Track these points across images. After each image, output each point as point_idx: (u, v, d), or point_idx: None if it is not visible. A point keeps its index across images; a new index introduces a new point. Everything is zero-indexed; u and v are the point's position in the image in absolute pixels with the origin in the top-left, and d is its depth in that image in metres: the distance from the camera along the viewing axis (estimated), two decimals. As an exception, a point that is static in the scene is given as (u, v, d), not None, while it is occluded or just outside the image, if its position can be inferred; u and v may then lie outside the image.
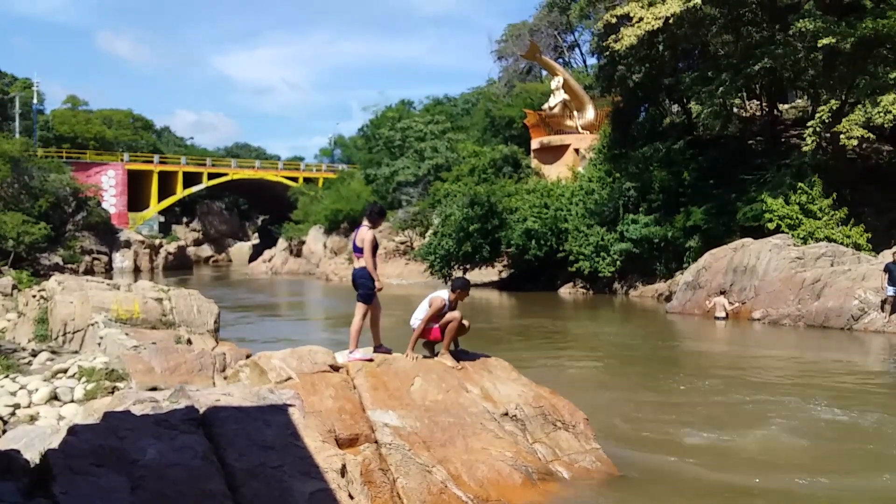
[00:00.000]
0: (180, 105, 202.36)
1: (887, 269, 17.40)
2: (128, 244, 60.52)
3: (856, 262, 19.97)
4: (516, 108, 46.07)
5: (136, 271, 56.74)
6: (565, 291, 30.27)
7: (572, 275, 29.94)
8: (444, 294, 8.15)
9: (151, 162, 70.71)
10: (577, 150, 37.66)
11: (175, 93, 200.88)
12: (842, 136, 22.27)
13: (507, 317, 24.61)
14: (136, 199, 67.88)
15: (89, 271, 49.69)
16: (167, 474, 4.78)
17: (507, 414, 7.46)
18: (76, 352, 11.83)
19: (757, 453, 8.13)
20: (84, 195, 57.25)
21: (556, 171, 36.67)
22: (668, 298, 24.44)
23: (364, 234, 7.80)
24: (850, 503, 6.76)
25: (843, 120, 22.46)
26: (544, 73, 48.51)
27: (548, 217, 30.55)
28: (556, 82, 39.44)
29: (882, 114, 21.49)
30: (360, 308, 7.97)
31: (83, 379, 9.89)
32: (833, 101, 23.31)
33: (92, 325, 12.14)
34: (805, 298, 19.06)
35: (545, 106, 40.23)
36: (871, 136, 22.82)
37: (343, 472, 5.51)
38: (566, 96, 39.05)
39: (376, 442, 6.58)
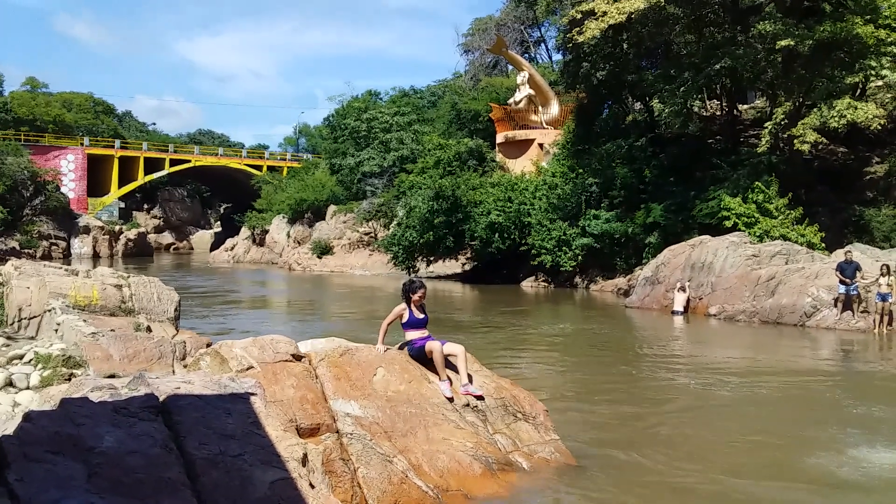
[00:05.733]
0: (141, 90, 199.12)
1: (839, 267, 17.84)
2: (87, 230, 59.54)
3: (809, 260, 20.45)
4: (482, 102, 46.19)
5: (95, 257, 55.86)
6: (527, 285, 30.49)
7: (534, 268, 30.17)
8: None
9: (112, 147, 69.51)
10: (541, 145, 37.93)
11: (136, 77, 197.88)
12: (795, 140, 22.76)
13: (470, 309, 24.72)
14: (95, 184, 66.73)
15: (46, 256, 48.83)
16: (125, 462, 4.74)
17: (468, 405, 7.53)
18: (32, 338, 11.63)
19: (713, 443, 8.33)
20: (42, 179, 56.18)
21: (520, 166, 36.89)
22: (627, 293, 24.76)
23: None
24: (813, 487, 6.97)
25: (799, 123, 22.96)
26: (510, 67, 48.70)
27: (511, 211, 30.75)
28: (522, 77, 39.64)
29: (837, 118, 22.01)
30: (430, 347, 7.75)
31: (39, 365, 9.74)
32: (787, 104, 23.80)
33: (49, 311, 11.93)
34: (760, 295, 19.46)
35: (510, 100, 40.42)
36: (825, 140, 23.35)
37: (304, 461, 5.53)
38: (531, 91, 39.26)
39: (338, 432, 6.59)
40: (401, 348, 8.01)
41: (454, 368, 7.78)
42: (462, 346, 7.82)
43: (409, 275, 34.84)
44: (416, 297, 7.85)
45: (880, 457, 7.85)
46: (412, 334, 7.84)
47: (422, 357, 7.71)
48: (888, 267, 17.16)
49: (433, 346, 7.61)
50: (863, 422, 9.29)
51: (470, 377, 7.75)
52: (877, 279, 17.16)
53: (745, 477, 7.21)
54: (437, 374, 7.69)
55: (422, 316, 7.89)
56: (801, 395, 10.82)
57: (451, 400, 7.39)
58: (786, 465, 7.63)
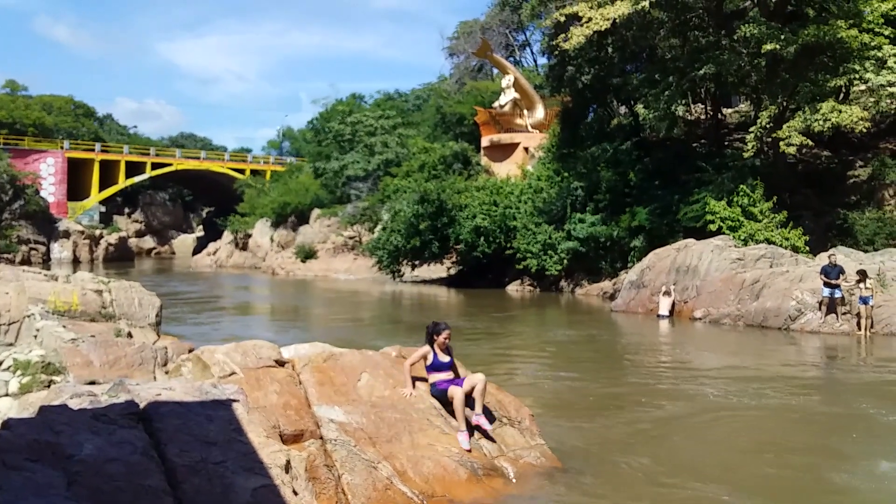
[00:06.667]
0: (121, 92, 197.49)
1: (823, 271, 17.94)
2: (67, 234, 59.03)
3: (794, 263, 20.56)
4: (467, 106, 46.24)
5: (76, 262, 55.38)
6: (513, 289, 30.48)
7: (520, 272, 30.17)
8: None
9: (93, 150, 68.96)
10: (526, 149, 37.99)
11: (116, 80, 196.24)
12: (781, 143, 22.89)
13: (455, 313, 24.66)
14: (76, 188, 66.17)
15: (26, 261, 48.32)
16: (105, 470, 4.66)
17: (453, 410, 7.46)
18: (11, 344, 11.44)
19: (704, 450, 8.30)
20: (22, 183, 55.67)
21: (505, 169, 36.93)
22: (613, 297, 24.78)
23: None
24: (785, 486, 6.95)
25: (784, 126, 23.08)
26: (495, 71, 48.79)
27: (497, 215, 30.76)
28: (507, 81, 39.71)
29: (821, 122, 22.14)
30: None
31: (18, 372, 9.58)
32: (772, 108, 23.93)
33: (28, 316, 11.76)
34: (745, 298, 19.53)
35: (496, 104, 40.49)
36: (810, 142, 23.49)
37: (287, 467, 5.45)
38: (517, 95, 39.34)
39: (321, 438, 6.52)
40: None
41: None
42: (483, 375, 7.48)
43: (395, 279, 34.81)
44: (440, 338, 7.54)
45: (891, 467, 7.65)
46: (436, 376, 7.50)
47: (443, 399, 7.37)
48: (864, 273, 17.32)
49: (455, 392, 7.25)
50: (863, 430, 9.19)
51: (487, 410, 7.45)
52: (856, 283, 17.31)
53: (734, 483, 7.15)
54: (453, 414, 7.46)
55: (447, 359, 7.56)
56: (796, 400, 10.71)
57: (469, 452, 6.98)
58: (781, 475, 7.54)
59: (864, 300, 17.08)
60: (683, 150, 30.09)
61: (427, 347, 7.56)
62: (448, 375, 7.51)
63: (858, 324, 17.24)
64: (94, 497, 4.43)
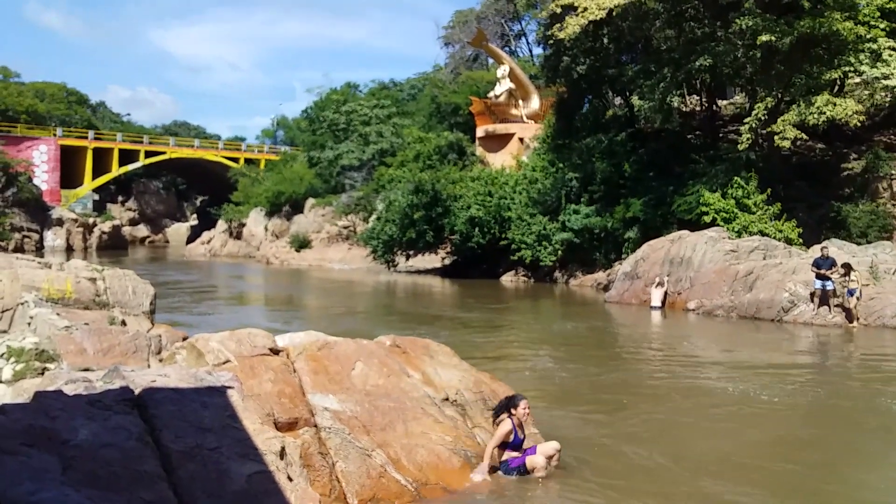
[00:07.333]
0: (114, 80, 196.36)
1: (816, 263, 18.02)
2: (60, 222, 58.83)
3: (787, 255, 20.64)
4: (462, 96, 46.12)
5: (69, 250, 55.19)
6: (507, 279, 30.52)
7: (514, 263, 30.20)
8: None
9: (86, 138, 68.57)
10: (521, 139, 37.97)
11: (109, 67, 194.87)
12: (776, 137, 22.91)
13: (450, 303, 24.70)
14: (69, 175, 65.82)
15: (19, 249, 48.18)
16: (100, 455, 4.68)
17: (447, 399, 7.50)
18: (5, 331, 11.41)
19: (702, 442, 8.33)
20: (14, 170, 55.48)
21: (500, 160, 36.92)
22: (607, 288, 24.83)
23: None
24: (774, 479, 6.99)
25: (779, 120, 23.10)
26: (490, 61, 48.70)
27: (491, 205, 30.75)
28: (502, 71, 39.67)
29: (816, 115, 22.16)
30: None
31: (12, 359, 9.56)
32: (769, 99, 23.95)
33: (22, 304, 11.73)
34: (738, 290, 19.59)
35: (491, 94, 40.43)
36: (804, 135, 23.50)
37: (282, 454, 5.47)
38: (512, 85, 39.30)
39: (316, 426, 6.54)
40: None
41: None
42: (557, 443, 7.16)
43: (389, 269, 34.79)
44: (520, 411, 7.06)
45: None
46: (510, 454, 6.99)
47: (521, 474, 6.93)
48: (849, 265, 17.48)
49: (536, 462, 6.90)
50: (864, 420, 9.22)
51: None
52: (842, 276, 17.46)
53: (738, 478, 7.11)
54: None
55: (523, 435, 7.09)
56: (796, 392, 10.65)
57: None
58: (785, 469, 7.53)
59: (851, 292, 17.28)
60: (678, 141, 30.08)
61: (510, 426, 6.97)
62: (519, 453, 7.03)
63: (848, 316, 17.37)
64: (90, 482, 4.45)
